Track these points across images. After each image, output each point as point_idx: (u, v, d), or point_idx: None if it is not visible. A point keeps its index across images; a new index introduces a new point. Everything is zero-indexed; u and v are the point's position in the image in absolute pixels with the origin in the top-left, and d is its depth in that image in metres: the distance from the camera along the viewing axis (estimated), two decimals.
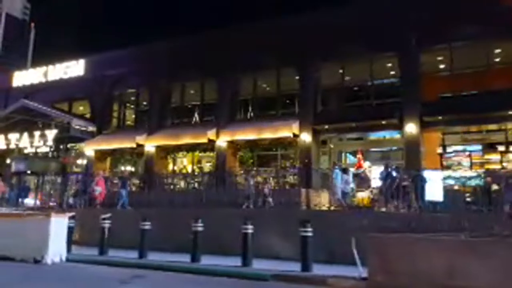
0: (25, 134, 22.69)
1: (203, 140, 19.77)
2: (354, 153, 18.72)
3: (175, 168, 22.11)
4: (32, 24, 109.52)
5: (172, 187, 19.46)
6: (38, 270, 9.81)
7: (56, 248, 10.99)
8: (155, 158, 21.46)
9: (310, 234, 8.81)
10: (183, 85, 22.50)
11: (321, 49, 18.06)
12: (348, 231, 10.07)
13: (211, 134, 19.65)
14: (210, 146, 20.19)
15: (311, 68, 18.51)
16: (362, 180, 15.10)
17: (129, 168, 23.22)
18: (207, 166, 21.43)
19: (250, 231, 9.66)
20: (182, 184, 21.16)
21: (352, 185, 15.34)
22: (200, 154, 21.78)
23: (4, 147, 23.64)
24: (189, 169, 21.71)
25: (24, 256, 10.66)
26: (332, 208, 14.23)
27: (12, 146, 23.42)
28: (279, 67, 19.40)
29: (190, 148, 21.26)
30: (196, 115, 22.02)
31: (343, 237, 9.90)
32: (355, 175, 15.26)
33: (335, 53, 17.81)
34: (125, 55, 23.72)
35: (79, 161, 23.72)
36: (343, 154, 19.29)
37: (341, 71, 18.73)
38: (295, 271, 8.64)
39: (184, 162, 22.26)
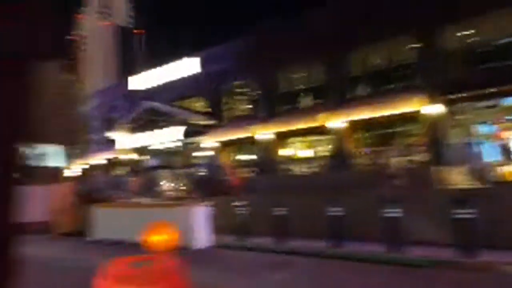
0: (152, 133, 24.86)
1: (316, 123, 19.50)
2: (487, 123, 16.78)
3: (291, 153, 22.30)
4: (138, 31, 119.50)
5: (292, 172, 19.67)
6: (189, 255, 10.65)
7: (201, 235, 11.84)
8: (271, 145, 21.87)
9: (469, 216, 8.02)
10: (290, 71, 22.44)
11: (443, 10, 16.39)
12: (503, 210, 9.05)
13: (323, 116, 19.26)
14: (323, 129, 19.85)
15: (432, 33, 16.93)
16: (505, 152, 13.44)
17: (248, 156, 24.08)
18: (322, 150, 21.17)
19: (396, 214, 9.19)
20: (301, 169, 21.31)
21: (491, 158, 13.80)
22: (314, 138, 21.58)
23: (137, 145, 26.20)
24: (305, 154, 21.71)
25: None
26: (474, 186, 12.94)
27: (143, 145, 25.87)
28: (394, 37, 18.13)
29: (304, 132, 21.16)
30: (306, 99, 21.84)
31: (497, 217, 8.91)
32: (502, 147, 13.63)
33: (460, 12, 16.00)
34: (231, 48, 24.43)
35: (200, 153, 25.29)
36: (474, 125, 17.42)
37: (468, 32, 16.80)
38: (453, 257, 7.98)
39: (299, 147, 22.32)
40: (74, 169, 34.47)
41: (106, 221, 14.17)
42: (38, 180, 23.81)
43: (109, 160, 31.49)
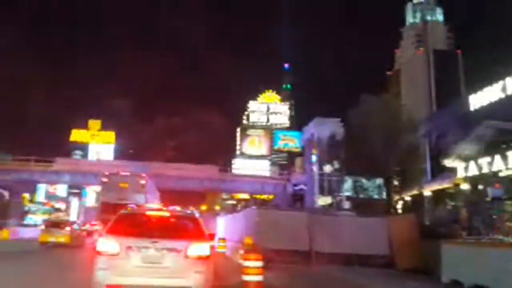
0: (497, 156, 20.83)
1: None
2: None
3: None
4: (459, 51, 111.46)
5: None
6: None
7: None
8: None
9: None
10: None
11: None
12: None
13: None
14: None
15: None
16: None
17: None
18: None
19: None
20: None
21: None
22: None
23: (476, 173, 22.79)
24: None
25: None
26: None
27: (482, 172, 22.13)
28: None
29: None
30: None
31: None
32: None
33: None
34: None
35: None
36: None
37: None
38: None
39: None
40: (394, 201, 33.82)
41: (461, 261, 12.09)
42: (373, 212, 24.27)
43: (434, 191, 29.15)
